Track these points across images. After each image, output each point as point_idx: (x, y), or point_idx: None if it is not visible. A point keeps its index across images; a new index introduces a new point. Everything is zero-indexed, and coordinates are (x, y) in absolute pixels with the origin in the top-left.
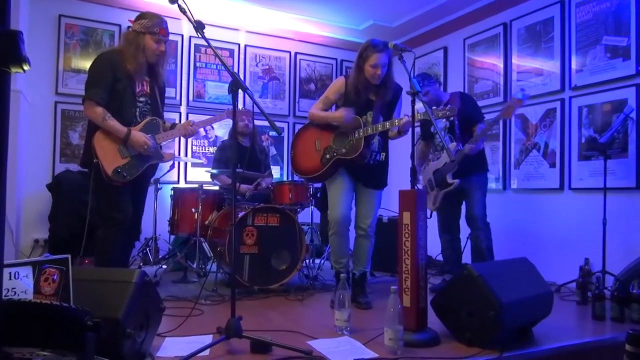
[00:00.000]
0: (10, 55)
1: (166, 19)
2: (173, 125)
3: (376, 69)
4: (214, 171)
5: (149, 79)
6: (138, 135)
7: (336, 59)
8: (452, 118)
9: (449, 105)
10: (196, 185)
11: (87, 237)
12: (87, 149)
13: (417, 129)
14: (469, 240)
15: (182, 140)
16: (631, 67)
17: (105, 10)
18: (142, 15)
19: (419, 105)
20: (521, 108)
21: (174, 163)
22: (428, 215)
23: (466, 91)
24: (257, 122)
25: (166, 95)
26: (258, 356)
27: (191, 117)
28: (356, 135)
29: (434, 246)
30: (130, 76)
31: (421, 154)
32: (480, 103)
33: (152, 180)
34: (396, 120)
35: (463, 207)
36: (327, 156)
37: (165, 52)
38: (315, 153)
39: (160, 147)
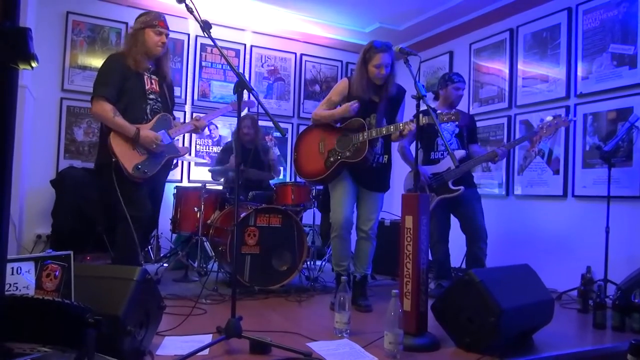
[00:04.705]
0: (19, 52)
1: (173, 17)
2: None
3: (380, 69)
4: (219, 168)
5: (157, 78)
6: (147, 132)
7: (342, 61)
8: (459, 125)
9: (454, 110)
10: (199, 185)
11: (106, 233)
12: (102, 151)
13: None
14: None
15: (187, 138)
16: (637, 76)
17: (113, 8)
18: (140, 15)
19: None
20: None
21: (177, 162)
22: None
23: (471, 96)
24: (261, 123)
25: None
26: (257, 357)
27: (196, 115)
28: (360, 138)
29: None
30: (138, 74)
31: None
32: (484, 108)
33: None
34: (401, 124)
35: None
36: (331, 159)
37: (168, 49)
38: (319, 156)
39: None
